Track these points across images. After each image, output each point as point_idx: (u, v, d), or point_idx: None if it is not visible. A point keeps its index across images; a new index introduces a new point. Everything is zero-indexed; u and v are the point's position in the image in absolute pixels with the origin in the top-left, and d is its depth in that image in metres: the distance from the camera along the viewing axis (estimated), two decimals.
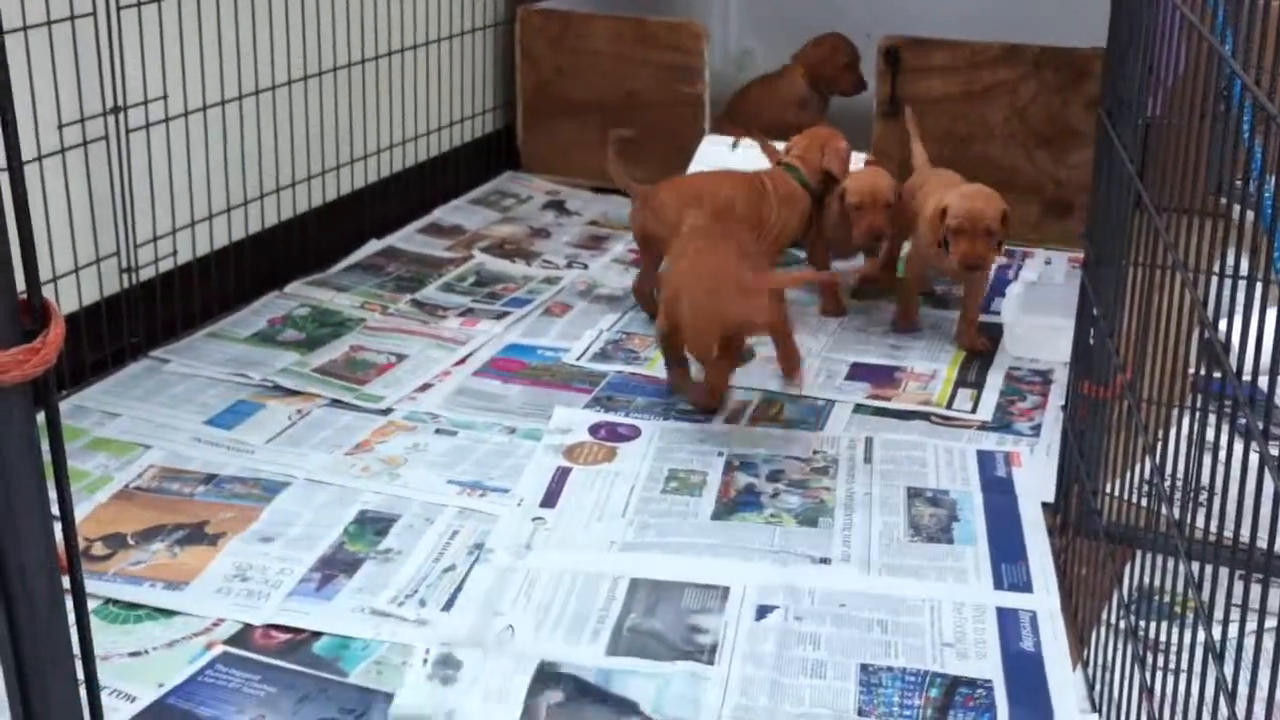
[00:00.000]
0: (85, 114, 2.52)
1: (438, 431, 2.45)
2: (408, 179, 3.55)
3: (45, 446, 1.03)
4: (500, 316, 2.97)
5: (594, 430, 2.45)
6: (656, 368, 2.72)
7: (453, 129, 3.73)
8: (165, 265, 2.76)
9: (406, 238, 3.44)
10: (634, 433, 2.45)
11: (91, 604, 1.89)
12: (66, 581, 1.02)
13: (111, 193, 2.61)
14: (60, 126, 2.47)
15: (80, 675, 1.04)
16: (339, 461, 2.34)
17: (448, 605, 1.94)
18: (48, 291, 2.06)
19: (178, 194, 2.77)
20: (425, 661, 1.80)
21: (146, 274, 2.71)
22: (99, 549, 2.05)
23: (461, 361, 2.76)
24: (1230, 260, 1.41)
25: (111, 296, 2.64)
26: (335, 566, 2.04)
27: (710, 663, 1.81)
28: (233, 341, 2.80)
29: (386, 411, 2.53)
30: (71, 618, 1.02)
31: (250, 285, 2.99)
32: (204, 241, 2.86)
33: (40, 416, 1.02)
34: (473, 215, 3.64)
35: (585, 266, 3.30)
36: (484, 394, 2.62)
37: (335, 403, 2.55)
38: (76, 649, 1.07)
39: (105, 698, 1.68)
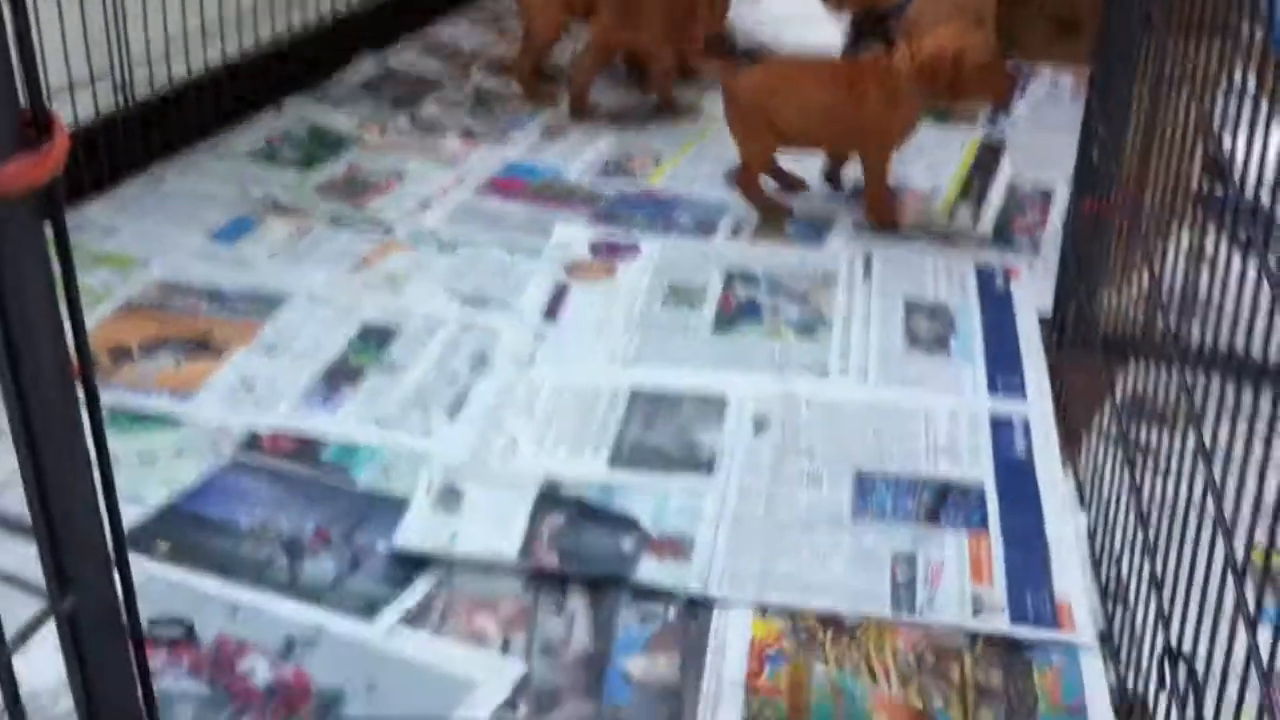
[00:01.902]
0: None
1: (439, 249, 2.46)
2: None
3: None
4: (500, 135, 2.95)
5: (595, 247, 2.46)
6: (658, 183, 2.72)
7: None
8: (160, 84, 2.73)
9: (403, 57, 3.40)
10: (634, 249, 2.45)
11: None
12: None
13: (104, 10, 2.57)
14: None
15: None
16: (340, 278, 2.35)
17: (452, 414, 1.98)
18: None
19: (170, 12, 2.73)
20: (428, 491, 1.80)
21: (142, 93, 2.68)
22: (104, 361, 2.08)
23: (461, 180, 2.75)
24: (1237, 77, 1.40)
25: (107, 115, 2.62)
26: (340, 377, 2.06)
27: (709, 474, 1.85)
28: (231, 159, 2.79)
29: (387, 230, 2.53)
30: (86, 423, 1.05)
31: (248, 105, 2.96)
32: (198, 60, 2.83)
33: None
34: (470, 35, 3.59)
35: None
36: (484, 212, 2.62)
37: (335, 220, 2.56)
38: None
39: None
